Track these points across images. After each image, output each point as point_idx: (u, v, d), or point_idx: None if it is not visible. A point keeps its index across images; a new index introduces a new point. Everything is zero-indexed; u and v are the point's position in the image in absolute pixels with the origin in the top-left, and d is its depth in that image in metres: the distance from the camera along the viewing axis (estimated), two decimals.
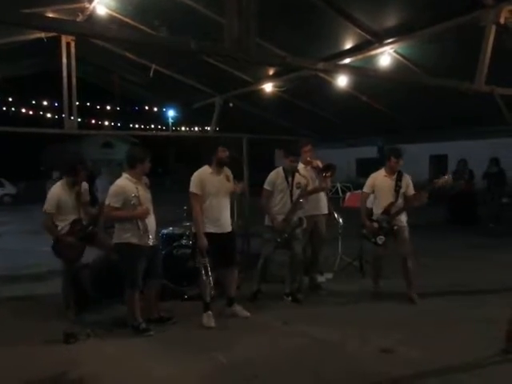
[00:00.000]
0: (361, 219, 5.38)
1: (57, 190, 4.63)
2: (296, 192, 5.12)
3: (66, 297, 4.82)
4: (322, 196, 5.56)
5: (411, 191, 5.20)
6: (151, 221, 4.38)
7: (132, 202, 4.20)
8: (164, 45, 2.34)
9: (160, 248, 4.87)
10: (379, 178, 5.31)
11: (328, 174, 5.30)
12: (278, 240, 5.07)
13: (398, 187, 5.16)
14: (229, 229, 4.70)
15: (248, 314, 4.77)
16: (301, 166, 5.39)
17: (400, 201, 5.16)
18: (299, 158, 5.22)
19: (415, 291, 5.22)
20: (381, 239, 5.14)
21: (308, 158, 5.37)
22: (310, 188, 5.22)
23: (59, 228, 4.62)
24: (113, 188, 4.28)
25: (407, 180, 5.24)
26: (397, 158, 5.18)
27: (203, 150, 4.87)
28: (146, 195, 4.39)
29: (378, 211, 5.24)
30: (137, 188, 4.28)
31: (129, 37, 2.45)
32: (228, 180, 4.70)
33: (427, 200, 5.05)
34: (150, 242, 4.22)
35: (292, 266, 5.28)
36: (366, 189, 5.39)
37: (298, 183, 5.13)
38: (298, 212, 5.12)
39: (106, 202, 4.27)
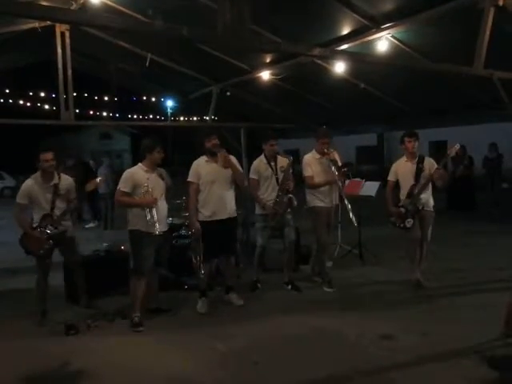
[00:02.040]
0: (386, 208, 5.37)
1: (29, 182, 4.50)
2: (281, 175, 5.12)
3: (37, 296, 4.56)
4: (335, 188, 5.47)
5: None
6: (161, 210, 4.42)
7: (142, 191, 4.30)
8: (156, 32, 2.30)
9: (169, 237, 4.86)
10: (401, 165, 5.34)
11: (345, 170, 5.33)
12: (272, 224, 5.07)
13: (418, 170, 5.15)
14: (228, 215, 4.71)
15: (242, 302, 4.83)
16: (316, 156, 5.32)
17: (422, 182, 5.13)
18: (277, 141, 5.20)
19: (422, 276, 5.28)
20: (409, 222, 5.14)
21: (325, 150, 5.23)
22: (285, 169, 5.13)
23: (33, 221, 4.46)
24: (124, 174, 4.47)
25: (430, 163, 5.18)
26: (409, 136, 5.17)
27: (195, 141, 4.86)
28: (157, 185, 4.42)
29: (402, 197, 5.25)
30: (148, 178, 4.35)
31: (121, 25, 2.41)
32: (225, 167, 4.68)
33: (447, 175, 5.05)
34: (156, 232, 4.24)
35: (288, 254, 5.33)
36: (390, 177, 5.41)
37: (282, 166, 5.13)
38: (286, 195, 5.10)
39: (118, 187, 4.43)
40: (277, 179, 5.12)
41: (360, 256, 6.58)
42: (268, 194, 5.14)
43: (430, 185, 5.20)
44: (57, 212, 4.51)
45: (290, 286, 5.31)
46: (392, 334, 3.99)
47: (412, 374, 3.33)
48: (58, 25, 5.29)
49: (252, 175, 5.22)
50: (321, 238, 5.33)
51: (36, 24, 5.50)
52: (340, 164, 5.24)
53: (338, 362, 3.52)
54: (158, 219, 4.29)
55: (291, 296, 5.13)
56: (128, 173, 4.46)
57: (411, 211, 5.15)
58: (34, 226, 4.45)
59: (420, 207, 5.16)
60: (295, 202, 5.15)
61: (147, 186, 4.31)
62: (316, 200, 5.28)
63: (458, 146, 5.11)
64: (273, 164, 5.17)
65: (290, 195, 5.09)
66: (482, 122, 9.90)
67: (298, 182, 5.33)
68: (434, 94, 6.60)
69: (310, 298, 5.05)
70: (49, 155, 4.47)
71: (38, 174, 4.53)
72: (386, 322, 4.24)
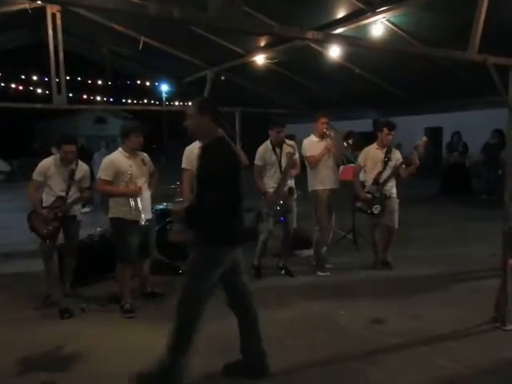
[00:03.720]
0: (354, 193, 5.45)
1: (48, 161, 4.52)
2: (284, 162, 5.10)
3: (47, 276, 4.57)
4: (336, 170, 5.48)
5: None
6: (145, 198, 4.31)
7: (125, 180, 4.15)
8: (147, 14, 2.26)
9: (154, 224, 4.75)
10: (371, 151, 5.44)
11: (350, 142, 5.37)
12: (271, 213, 5.09)
13: (386, 158, 5.30)
14: None
15: None
16: (315, 140, 5.32)
17: (388, 171, 5.28)
18: (284, 129, 5.18)
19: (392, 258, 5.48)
20: (377, 208, 5.24)
21: (324, 130, 5.24)
22: (295, 157, 5.18)
23: (43, 201, 4.49)
24: (103, 161, 4.29)
25: (397, 155, 5.40)
26: (390, 129, 5.27)
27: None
28: (141, 172, 4.30)
29: (368, 183, 5.35)
30: (130, 165, 4.22)
31: (111, 6, 2.35)
32: None
33: (417, 163, 5.19)
34: (142, 222, 4.12)
35: (288, 240, 5.34)
36: (359, 162, 5.50)
37: (288, 153, 5.11)
38: (288, 182, 5.11)
39: (98, 176, 4.28)
40: (280, 166, 5.11)
41: (354, 241, 6.62)
42: (274, 181, 5.11)
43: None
44: (70, 197, 4.50)
45: (283, 271, 5.35)
46: (383, 317, 4.04)
47: (401, 357, 3.38)
48: (48, 6, 5.19)
49: (257, 161, 5.18)
50: (322, 222, 5.34)
51: (26, 5, 5.41)
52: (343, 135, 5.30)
53: (329, 345, 3.57)
54: (143, 207, 4.18)
55: (284, 281, 5.17)
56: (107, 160, 4.26)
57: (378, 198, 5.25)
58: (45, 205, 4.46)
59: (388, 194, 5.28)
60: (295, 194, 5.16)
61: (131, 173, 4.16)
62: (317, 183, 5.29)
63: (424, 139, 5.37)
64: (278, 151, 5.13)
65: (291, 185, 5.09)
66: (477, 108, 9.90)
67: (301, 166, 5.34)
68: (431, 80, 6.58)
69: (303, 282, 5.09)
70: (72, 147, 4.46)
71: (57, 156, 4.52)
72: (378, 306, 4.29)
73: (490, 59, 3.48)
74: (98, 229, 5.83)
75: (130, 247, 4.22)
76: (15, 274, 5.55)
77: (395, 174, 5.28)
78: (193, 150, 4.67)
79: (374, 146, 5.43)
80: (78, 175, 4.56)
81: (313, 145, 5.29)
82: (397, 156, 5.37)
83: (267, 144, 5.21)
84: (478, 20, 3.45)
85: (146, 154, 4.50)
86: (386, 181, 5.26)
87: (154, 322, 4.08)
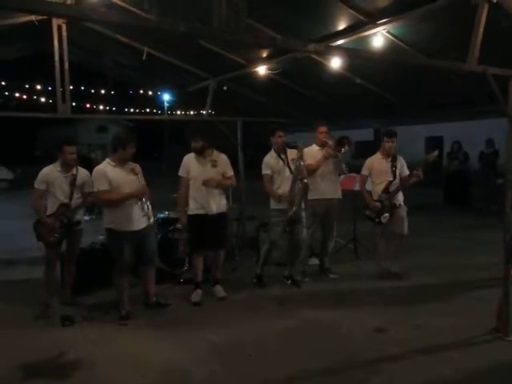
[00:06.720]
0: (361, 202, 5.53)
1: (49, 168, 4.58)
2: (293, 166, 5.06)
3: (48, 284, 4.61)
4: (336, 180, 5.54)
5: (406, 172, 5.42)
6: (135, 208, 4.30)
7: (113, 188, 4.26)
8: (152, 27, 2.31)
9: (153, 231, 4.73)
10: (376, 161, 5.49)
11: (345, 148, 5.33)
12: (290, 214, 4.92)
13: (394, 167, 5.35)
14: (215, 211, 4.74)
15: (224, 294, 4.87)
16: (315, 149, 5.44)
17: (397, 180, 5.34)
18: (285, 133, 5.20)
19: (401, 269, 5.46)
20: (385, 217, 5.28)
21: (324, 139, 5.37)
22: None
23: (47, 209, 4.53)
24: (94, 174, 4.37)
25: (402, 161, 5.47)
26: (388, 137, 5.35)
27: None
28: (128, 182, 4.31)
29: (377, 191, 5.38)
30: (119, 175, 4.28)
31: (117, 19, 2.41)
32: (213, 166, 4.77)
33: (422, 176, 5.22)
34: (132, 228, 4.25)
35: (294, 250, 5.26)
36: (364, 171, 5.55)
37: (293, 159, 5.08)
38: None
39: (95, 189, 4.31)
40: (290, 171, 5.06)
41: (354, 250, 6.63)
42: (284, 187, 5.03)
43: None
44: (73, 203, 4.56)
45: (289, 281, 5.31)
46: (384, 326, 4.05)
47: (402, 366, 3.38)
48: (55, 18, 5.26)
49: (265, 171, 5.15)
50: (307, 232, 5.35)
51: (33, 17, 5.48)
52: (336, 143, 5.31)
53: (331, 354, 3.58)
54: (132, 218, 4.27)
55: (286, 290, 5.17)
56: (98, 170, 4.33)
57: (388, 207, 5.29)
58: (49, 213, 4.50)
59: (398, 204, 5.32)
60: (310, 186, 5.07)
61: (116, 182, 4.25)
62: (312, 193, 5.30)
63: (436, 153, 5.49)
64: (283, 156, 5.13)
65: (305, 180, 4.94)
66: (478, 118, 9.95)
67: None
68: (431, 90, 6.62)
69: (304, 291, 5.11)
70: (73, 149, 4.56)
71: (57, 163, 4.60)
72: (379, 315, 4.30)
73: (489, 70, 3.52)
74: (101, 237, 5.85)
75: (122, 256, 4.29)
76: (18, 281, 5.57)
77: (405, 185, 5.34)
78: (190, 158, 4.81)
79: (379, 155, 5.47)
80: (78, 181, 4.60)
81: (312, 154, 5.35)
82: (401, 162, 5.44)
83: (271, 153, 5.22)
84: (477, 31, 3.50)
85: (137, 165, 4.50)
86: (397, 191, 5.31)
87: (156, 330, 4.10)
